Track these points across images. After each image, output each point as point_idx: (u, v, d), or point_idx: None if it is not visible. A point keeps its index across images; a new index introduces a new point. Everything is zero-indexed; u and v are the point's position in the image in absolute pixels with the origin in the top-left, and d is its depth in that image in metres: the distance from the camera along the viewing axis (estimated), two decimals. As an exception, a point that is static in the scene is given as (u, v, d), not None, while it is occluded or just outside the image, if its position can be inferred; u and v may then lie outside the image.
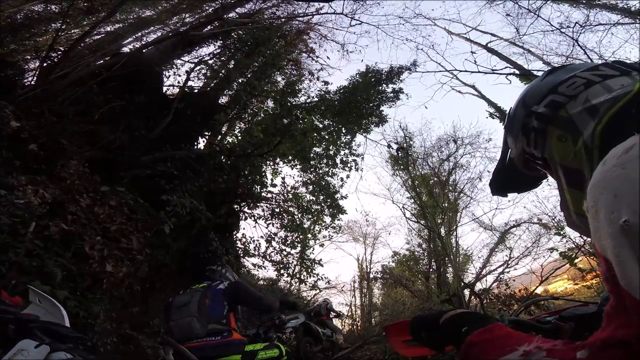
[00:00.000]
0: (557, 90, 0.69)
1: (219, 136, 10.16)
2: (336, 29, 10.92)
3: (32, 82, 6.50)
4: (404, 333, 0.90)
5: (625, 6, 9.46)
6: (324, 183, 10.21)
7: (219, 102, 9.73)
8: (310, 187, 10.28)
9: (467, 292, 9.78)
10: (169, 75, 9.44)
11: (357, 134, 10.76)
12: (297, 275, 11.10)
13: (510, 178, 0.91)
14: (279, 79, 10.48)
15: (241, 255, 9.10)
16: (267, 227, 9.54)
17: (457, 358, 0.69)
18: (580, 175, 0.62)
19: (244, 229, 9.65)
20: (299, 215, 9.99)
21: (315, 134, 9.63)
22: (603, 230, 0.46)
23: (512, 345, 0.55)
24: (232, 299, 2.76)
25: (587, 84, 0.66)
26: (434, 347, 0.81)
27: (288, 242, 9.71)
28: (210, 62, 10.08)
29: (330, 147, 10.23)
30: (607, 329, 0.47)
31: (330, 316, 8.29)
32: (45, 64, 6.38)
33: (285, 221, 9.67)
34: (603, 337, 0.46)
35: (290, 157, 9.81)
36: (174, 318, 2.63)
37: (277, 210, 9.60)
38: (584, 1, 9.78)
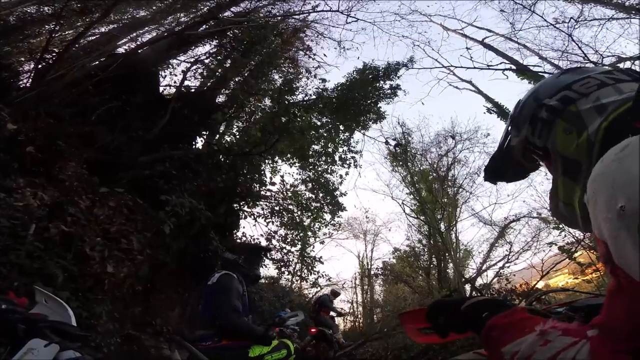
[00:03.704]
0: (571, 87, 0.73)
1: (217, 135, 10.14)
2: (332, 27, 10.89)
3: (28, 84, 6.44)
4: (419, 321, 0.91)
5: (620, 1, 9.49)
6: (323, 180, 10.20)
7: (216, 101, 9.69)
8: (309, 185, 10.27)
9: (467, 287, 9.82)
10: (165, 76, 9.43)
11: (355, 131, 10.75)
12: (298, 273, 11.12)
13: (502, 166, 0.95)
14: (276, 77, 10.47)
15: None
16: (267, 226, 9.56)
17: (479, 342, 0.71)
18: (578, 166, 0.67)
19: (243, 227, 9.64)
20: (299, 213, 9.99)
21: (313, 132, 9.61)
22: (602, 216, 0.51)
23: (530, 327, 0.60)
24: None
25: (600, 84, 0.70)
26: (451, 332, 0.82)
27: (288, 240, 9.72)
28: (206, 61, 10.04)
29: (329, 145, 10.22)
30: (610, 307, 0.52)
31: (331, 314, 8.27)
32: (40, 66, 6.33)
33: (285, 219, 9.67)
34: (609, 315, 0.52)
35: (288, 155, 9.80)
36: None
37: (277, 208, 9.60)
38: (579, -4, 9.79)
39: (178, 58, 9.87)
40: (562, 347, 0.53)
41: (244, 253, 3.02)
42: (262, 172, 9.64)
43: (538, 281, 7.46)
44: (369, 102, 10.14)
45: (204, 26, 9.20)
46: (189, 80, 9.48)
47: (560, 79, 0.77)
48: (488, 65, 9.94)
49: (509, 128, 0.87)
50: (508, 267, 10.66)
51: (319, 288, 11.41)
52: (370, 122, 10.87)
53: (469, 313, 0.75)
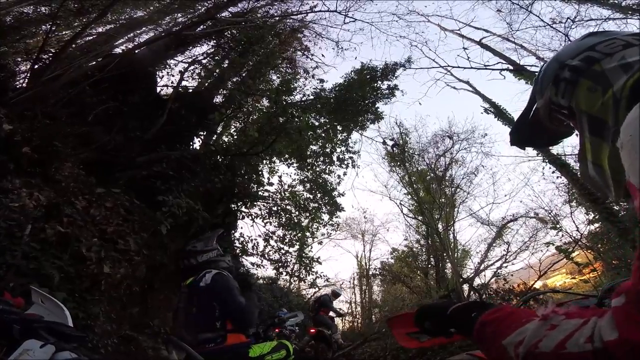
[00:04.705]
0: (595, 48, 0.71)
1: (215, 136, 10.11)
2: (330, 27, 10.90)
3: (24, 85, 6.42)
4: (407, 325, 0.91)
5: (616, 1, 9.55)
6: (320, 181, 10.18)
7: (214, 101, 9.67)
8: (307, 185, 10.25)
9: (465, 287, 9.83)
10: (163, 76, 9.41)
11: (353, 131, 10.75)
12: (296, 274, 11.09)
13: (530, 131, 0.93)
14: (274, 77, 10.47)
15: (239, 254, 9.07)
16: (264, 226, 9.51)
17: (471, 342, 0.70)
18: (604, 124, 0.64)
19: (241, 228, 9.61)
20: (297, 213, 9.95)
21: (311, 132, 9.60)
22: None
23: (528, 317, 0.57)
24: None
25: (626, 45, 0.68)
26: (437, 336, 0.83)
27: (286, 241, 9.68)
28: (204, 61, 10.03)
29: (327, 145, 10.20)
30: None
31: (330, 314, 8.26)
32: (36, 66, 6.31)
33: (283, 219, 9.64)
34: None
35: (286, 156, 9.78)
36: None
37: (275, 208, 9.56)
38: (575, -4, 9.84)
39: (175, 58, 9.87)
40: (573, 328, 0.49)
41: (216, 248, 2.82)
42: (260, 173, 9.60)
43: (536, 281, 7.48)
44: (366, 102, 10.14)
45: (201, 26, 9.19)
46: (187, 80, 9.49)
47: (583, 42, 0.76)
48: (485, 66, 10.01)
49: (534, 91, 0.86)
50: (506, 267, 10.67)
51: (317, 288, 11.40)
52: (368, 123, 10.89)
53: (457, 316, 0.73)
